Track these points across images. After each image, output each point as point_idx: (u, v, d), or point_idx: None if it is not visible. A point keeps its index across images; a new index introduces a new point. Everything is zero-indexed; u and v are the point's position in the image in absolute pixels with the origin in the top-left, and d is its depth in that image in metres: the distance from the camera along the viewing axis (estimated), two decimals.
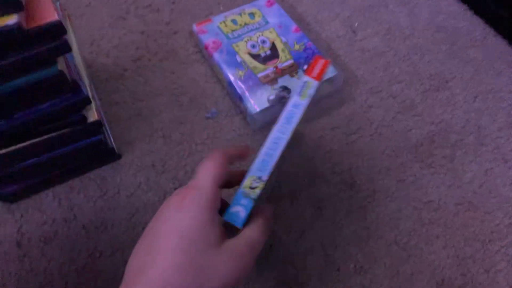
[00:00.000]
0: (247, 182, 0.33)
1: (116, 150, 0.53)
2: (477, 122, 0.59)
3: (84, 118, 0.45)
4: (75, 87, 0.41)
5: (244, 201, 0.32)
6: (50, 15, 0.33)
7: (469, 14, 0.71)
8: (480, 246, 0.49)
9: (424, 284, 0.46)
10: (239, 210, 0.32)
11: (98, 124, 0.46)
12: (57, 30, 0.34)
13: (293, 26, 0.62)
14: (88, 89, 0.48)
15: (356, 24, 0.69)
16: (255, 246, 0.30)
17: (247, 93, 0.55)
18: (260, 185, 0.33)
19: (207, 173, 0.31)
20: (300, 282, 0.46)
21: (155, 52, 0.63)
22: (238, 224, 0.32)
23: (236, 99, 0.57)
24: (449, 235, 0.49)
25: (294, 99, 0.37)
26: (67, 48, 0.36)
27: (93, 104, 0.46)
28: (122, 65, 0.62)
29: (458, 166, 0.54)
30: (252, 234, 0.31)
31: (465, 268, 0.47)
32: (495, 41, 0.68)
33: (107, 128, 0.54)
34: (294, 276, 0.46)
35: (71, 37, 0.53)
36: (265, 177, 0.33)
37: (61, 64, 0.37)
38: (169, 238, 0.28)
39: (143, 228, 0.48)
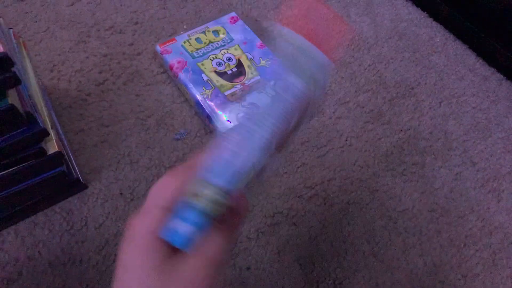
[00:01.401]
0: (190, 187, 0.24)
1: (81, 180, 0.51)
2: (443, 127, 0.60)
3: (43, 151, 0.43)
4: (30, 119, 0.39)
5: (185, 214, 0.23)
6: None
7: (429, 21, 0.73)
8: (456, 251, 0.49)
9: None
10: (178, 226, 0.23)
11: (59, 155, 0.44)
12: (3, 63, 0.32)
13: (258, 41, 0.62)
14: (47, 119, 0.46)
15: None
16: (214, 265, 0.24)
17: (215, 112, 0.54)
18: (210, 194, 0.23)
19: (155, 194, 0.25)
20: None
21: (119, 74, 0.62)
22: (177, 244, 0.23)
23: (205, 118, 0.56)
24: (425, 243, 0.49)
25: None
26: (16, 81, 0.34)
27: (52, 135, 0.45)
28: (85, 90, 0.60)
29: (428, 173, 0.55)
30: (208, 249, 0.24)
31: (442, 275, 0.47)
32: (455, 46, 0.70)
33: (71, 158, 0.52)
34: None
35: (27, 66, 0.51)
36: (220, 182, 0.24)
37: (12, 97, 0.36)
38: (117, 275, 0.24)
39: (114, 261, 0.47)
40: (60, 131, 0.54)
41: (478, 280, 0.47)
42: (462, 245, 0.49)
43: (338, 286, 0.46)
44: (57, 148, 0.44)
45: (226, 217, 0.25)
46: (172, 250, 0.24)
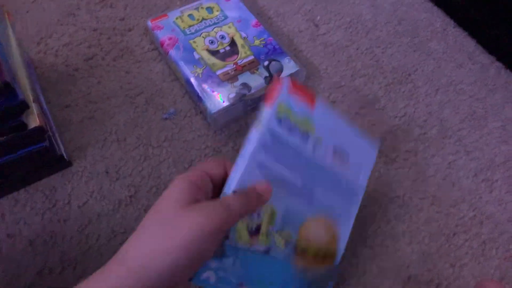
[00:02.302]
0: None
1: (66, 157, 0.49)
2: (439, 115, 0.58)
3: (23, 125, 0.41)
4: (9, 90, 0.37)
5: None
6: None
7: (429, 5, 0.71)
8: (445, 240, 0.48)
9: (391, 282, 0.45)
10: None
11: (40, 130, 0.43)
12: None
13: (253, 20, 0.60)
14: (30, 92, 0.45)
15: (318, 18, 0.67)
16: (229, 208, 0.29)
17: (206, 92, 0.52)
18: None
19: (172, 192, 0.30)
20: None
21: (109, 50, 0.60)
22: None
23: (195, 98, 0.54)
24: (414, 231, 0.49)
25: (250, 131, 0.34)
26: None
27: (33, 109, 0.43)
28: (73, 65, 0.58)
29: (421, 160, 0.54)
30: (229, 200, 0.30)
31: (430, 264, 0.47)
32: (455, 32, 0.68)
33: (55, 134, 0.50)
34: None
35: (9, 36, 0.49)
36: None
37: None
38: (147, 219, 0.29)
39: (97, 240, 0.46)
40: (45, 106, 0.52)
41: (466, 269, 0.47)
42: (451, 234, 0.49)
43: None
44: (38, 122, 0.42)
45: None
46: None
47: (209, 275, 0.31)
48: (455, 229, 0.49)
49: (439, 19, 0.70)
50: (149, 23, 0.59)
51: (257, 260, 0.33)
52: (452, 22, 0.70)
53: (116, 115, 0.54)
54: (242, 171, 0.32)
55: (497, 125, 0.58)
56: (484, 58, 0.66)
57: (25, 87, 0.44)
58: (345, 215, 0.39)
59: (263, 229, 0.33)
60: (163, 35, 0.57)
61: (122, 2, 0.65)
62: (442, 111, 0.59)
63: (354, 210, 0.40)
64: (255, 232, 0.33)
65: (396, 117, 0.58)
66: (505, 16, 0.64)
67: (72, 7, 0.64)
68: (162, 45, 0.57)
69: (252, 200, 0.31)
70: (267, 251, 0.34)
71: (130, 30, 0.62)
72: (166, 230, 0.27)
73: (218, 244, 0.30)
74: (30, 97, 0.44)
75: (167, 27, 0.58)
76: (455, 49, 0.66)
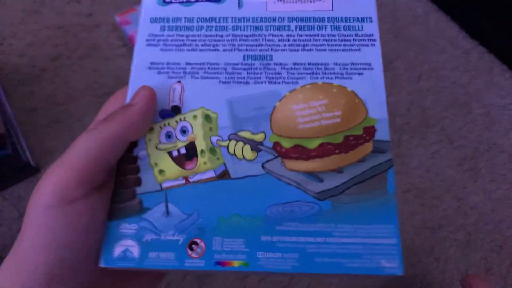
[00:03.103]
0: None
1: (32, 164, 0.47)
2: (421, 103, 0.57)
3: None
4: None
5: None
6: None
7: None
8: (429, 233, 0.47)
9: (373, 280, 0.44)
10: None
11: (1, 137, 0.40)
12: None
13: None
14: None
15: None
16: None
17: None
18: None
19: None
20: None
21: (75, 48, 0.57)
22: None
23: None
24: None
25: None
26: None
27: None
28: (38, 65, 0.55)
29: (404, 151, 0.53)
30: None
31: (414, 259, 0.45)
32: (437, 17, 0.66)
33: (20, 140, 0.48)
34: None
35: None
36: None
37: None
38: None
39: None
40: (9, 111, 0.50)
41: (451, 262, 0.45)
42: (436, 227, 0.48)
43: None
44: None
45: None
46: None
47: (126, 245, 0.23)
48: (440, 221, 0.48)
49: (420, 3, 0.68)
50: (117, 18, 0.56)
51: (211, 192, 0.24)
52: (434, 7, 0.68)
53: (83, 117, 0.51)
54: (129, 85, 0.27)
55: (480, 112, 0.57)
56: (467, 43, 0.64)
57: None
58: (361, 66, 0.27)
59: (200, 145, 0.25)
60: (132, 30, 0.55)
61: None
62: (425, 99, 0.57)
63: (375, 57, 0.27)
64: (187, 155, 0.25)
65: None
66: None
67: (35, 5, 0.61)
68: (131, 40, 0.54)
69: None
70: (223, 174, 0.25)
71: (97, 26, 0.59)
72: None
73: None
74: None
75: (136, 21, 0.55)
76: (437, 34, 0.64)
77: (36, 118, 0.51)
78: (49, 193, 0.22)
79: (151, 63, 0.27)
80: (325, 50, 0.27)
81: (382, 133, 0.25)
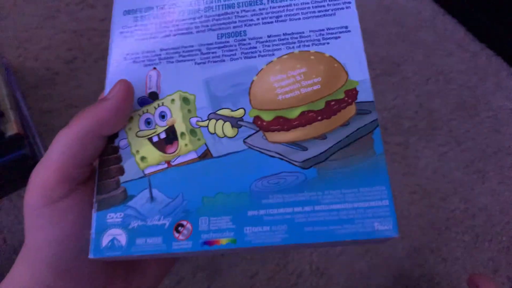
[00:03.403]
0: None
1: None
2: (429, 106, 0.57)
3: (0, 133, 0.40)
4: None
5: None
6: None
7: None
8: (437, 234, 0.48)
9: (381, 279, 0.45)
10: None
11: (18, 137, 0.42)
12: None
13: None
14: (6, 99, 0.44)
15: None
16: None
17: None
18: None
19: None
20: (253, 286, 0.43)
21: (90, 52, 0.59)
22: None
23: None
24: (405, 226, 0.48)
25: None
26: None
27: (11, 116, 0.42)
28: (53, 68, 0.57)
29: (412, 153, 0.53)
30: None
31: (422, 259, 0.46)
32: (444, 21, 0.67)
33: (37, 141, 0.49)
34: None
35: None
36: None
37: None
38: None
39: None
40: (26, 112, 0.51)
41: (458, 263, 0.46)
42: (443, 228, 0.48)
43: (315, 270, 0.45)
44: (16, 130, 0.41)
45: None
46: None
47: (114, 234, 0.24)
48: (447, 222, 0.48)
49: (428, 7, 0.68)
50: None
51: (194, 173, 0.24)
52: (441, 10, 0.68)
53: None
54: (106, 78, 0.27)
55: (489, 114, 0.57)
56: (474, 46, 0.64)
57: (2, 95, 0.43)
58: (340, 30, 0.26)
59: (180, 128, 0.25)
60: None
61: (101, 2, 0.64)
62: (432, 102, 0.58)
63: (351, 20, 0.27)
64: (168, 140, 0.25)
65: (385, 109, 0.56)
66: (494, 1, 0.62)
67: (51, 10, 0.62)
68: None
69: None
70: (204, 154, 0.25)
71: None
72: None
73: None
74: (7, 105, 0.43)
75: None
76: (444, 37, 0.65)
77: (51, 120, 0.52)
78: (35, 195, 0.23)
79: (127, 54, 0.27)
80: (299, 19, 0.26)
81: (365, 94, 0.24)
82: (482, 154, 0.54)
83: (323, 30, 0.26)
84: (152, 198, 0.24)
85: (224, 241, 0.22)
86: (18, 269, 0.24)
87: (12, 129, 0.41)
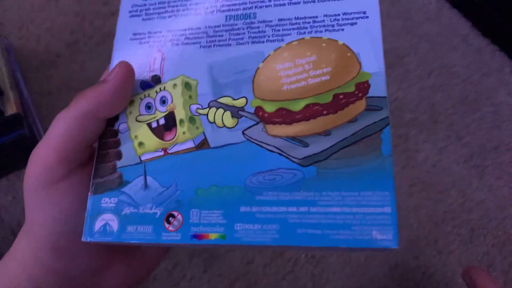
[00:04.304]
0: None
1: None
2: (431, 100, 0.57)
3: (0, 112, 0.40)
4: None
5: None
6: None
7: None
8: (433, 227, 0.48)
9: (377, 269, 0.45)
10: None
11: (18, 117, 0.42)
12: None
13: None
14: (6, 78, 0.44)
15: None
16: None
17: None
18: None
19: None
20: (249, 272, 0.44)
21: (91, 35, 0.58)
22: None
23: None
24: (402, 218, 0.48)
25: None
26: None
27: (10, 96, 0.42)
28: (55, 51, 0.57)
29: (411, 146, 0.53)
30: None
31: (417, 251, 0.46)
32: (450, 14, 0.66)
33: (36, 122, 0.49)
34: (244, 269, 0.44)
35: None
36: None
37: None
38: None
39: None
40: (26, 93, 0.51)
41: (453, 256, 0.46)
42: (440, 221, 0.48)
43: (311, 258, 0.45)
44: (15, 109, 0.41)
45: None
46: None
47: (107, 219, 0.23)
48: (444, 216, 0.49)
49: (433, 0, 0.68)
50: None
51: (190, 163, 0.23)
52: (447, 3, 0.67)
53: None
54: (112, 58, 0.26)
55: (490, 110, 0.57)
56: (479, 40, 0.64)
57: (2, 74, 0.43)
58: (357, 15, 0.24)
59: (179, 114, 0.24)
60: None
61: None
62: (434, 95, 0.58)
63: (371, 4, 0.24)
64: (167, 126, 0.25)
65: None
66: None
67: None
68: None
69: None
70: (201, 144, 0.24)
71: (113, 14, 0.60)
72: None
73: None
74: (7, 84, 0.43)
75: None
76: (449, 31, 0.64)
77: (52, 102, 0.52)
78: (34, 176, 0.23)
79: (134, 34, 0.26)
80: (314, 1, 0.24)
81: (378, 88, 0.22)
82: (482, 149, 0.54)
83: (338, 14, 0.24)
84: (146, 186, 0.23)
85: (213, 236, 0.21)
86: (20, 245, 0.25)
87: (11, 108, 0.41)
